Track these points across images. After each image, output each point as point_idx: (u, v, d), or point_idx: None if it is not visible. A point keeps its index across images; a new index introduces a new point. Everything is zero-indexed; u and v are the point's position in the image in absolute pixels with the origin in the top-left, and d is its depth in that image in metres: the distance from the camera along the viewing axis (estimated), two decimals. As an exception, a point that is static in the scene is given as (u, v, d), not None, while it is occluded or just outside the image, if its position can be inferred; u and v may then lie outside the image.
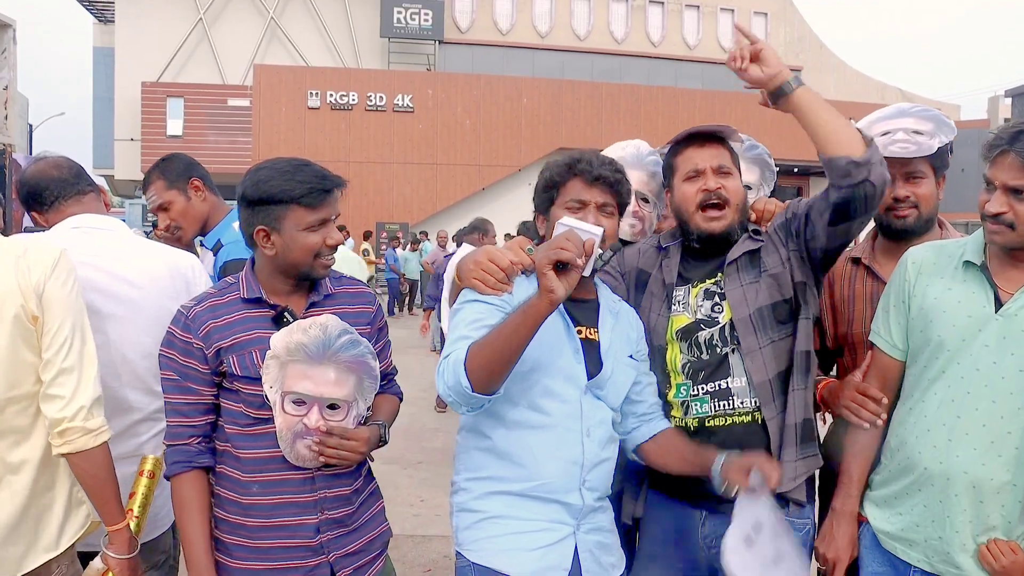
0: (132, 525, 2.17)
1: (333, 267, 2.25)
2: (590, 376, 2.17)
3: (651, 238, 2.65)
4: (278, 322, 2.13)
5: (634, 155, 2.91)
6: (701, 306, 2.40)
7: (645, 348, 2.38)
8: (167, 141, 23.73)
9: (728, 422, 2.34)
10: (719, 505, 2.26)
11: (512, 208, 19.60)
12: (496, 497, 2.13)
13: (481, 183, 22.58)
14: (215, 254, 2.99)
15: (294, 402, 2.08)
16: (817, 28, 33.42)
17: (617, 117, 22.08)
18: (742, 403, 2.33)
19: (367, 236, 19.53)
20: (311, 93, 22.51)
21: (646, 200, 2.93)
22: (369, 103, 22.80)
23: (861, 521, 2.33)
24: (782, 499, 2.30)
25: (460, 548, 2.16)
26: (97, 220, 2.49)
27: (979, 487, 2.03)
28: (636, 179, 2.82)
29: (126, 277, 2.42)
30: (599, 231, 2.00)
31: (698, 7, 30.16)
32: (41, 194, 2.50)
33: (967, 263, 2.12)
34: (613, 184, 2.22)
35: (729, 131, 2.46)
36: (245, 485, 2.11)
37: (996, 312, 2.05)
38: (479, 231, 7.99)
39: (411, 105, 22.95)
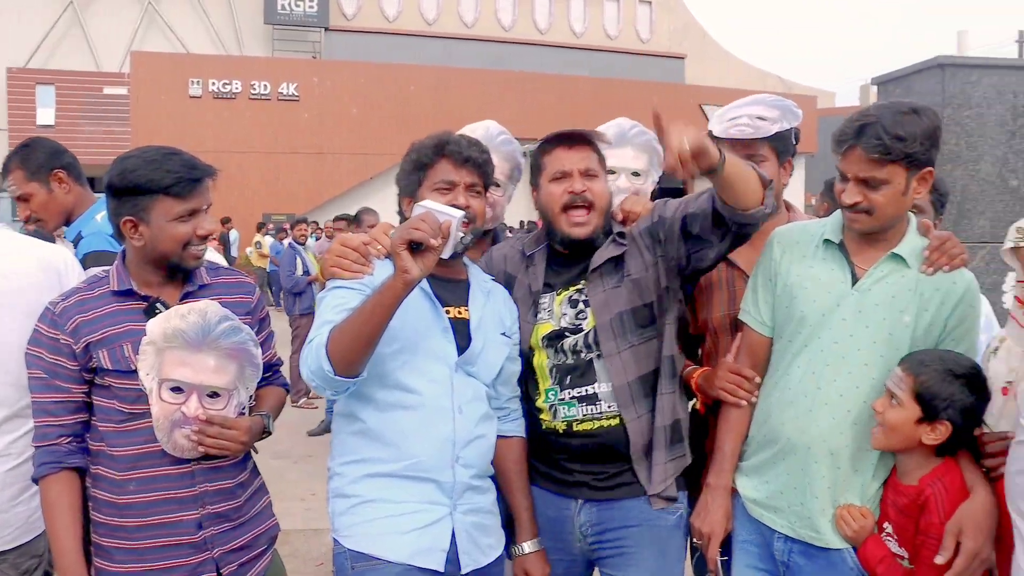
0: None
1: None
2: (460, 352, 2.18)
3: (516, 242, 2.64)
4: (150, 314, 2.07)
5: (483, 136, 2.79)
6: (565, 314, 2.39)
7: (518, 331, 2.39)
8: (38, 131, 22.49)
9: (595, 426, 2.34)
10: (594, 493, 2.33)
11: (396, 196, 19.37)
12: (370, 480, 2.12)
13: (369, 172, 22.31)
14: (75, 246, 2.90)
15: (172, 390, 2.03)
16: (701, 17, 34.15)
17: (505, 104, 22.17)
18: (609, 407, 2.33)
19: (260, 228, 19.03)
20: (192, 81, 21.80)
21: (497, 185, 2.81)
22: (253, 92, 22.23)
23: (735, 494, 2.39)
24: (658, 498, 2.33)
25: (337, 535, 2.15)
26: None
27: (837, 455, 2.12)
28: None
29: None
30: (458, 213, 2.00)
31: (584, -5, 30.54)
32: None
33: (826, 241, 2.21)
34: (481, 165, 2.25)
35: (597, 134, 2.47)
36: (121, 484, 2.04)
37: (852, 287, 2.14)
38: (348, 221, 7.85)
39: (296, 94, 22.50)
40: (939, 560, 1.91)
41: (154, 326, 2.03)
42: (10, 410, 2.28)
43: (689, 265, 2.35)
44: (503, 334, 2.32)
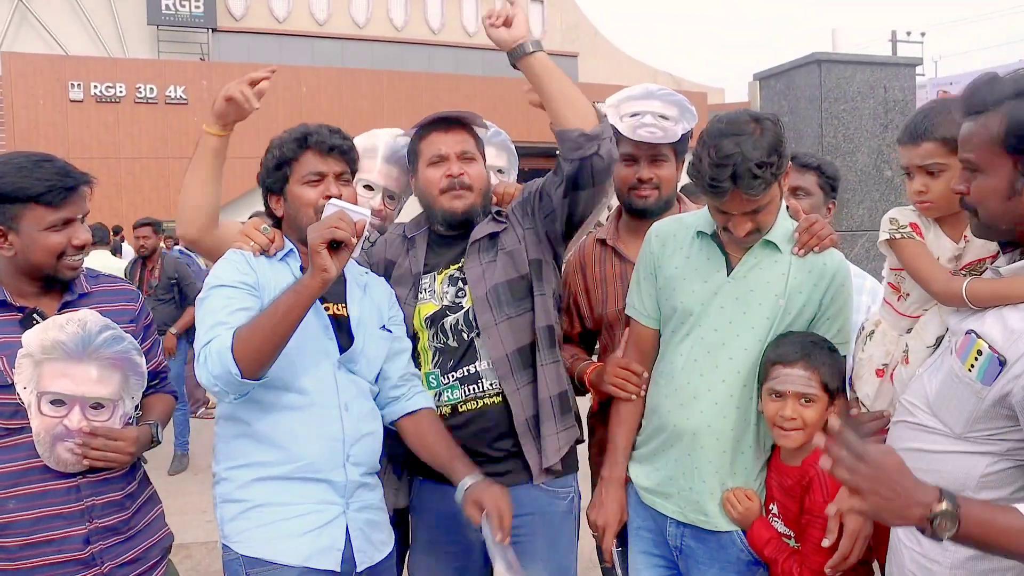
0: None
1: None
2: (342, 351, 2.18)
3: (396, 227, 2.65)
4: (26, 325, 2.00)
5: (386, 145, 2.83)
6: (447, 292, 2.42)
7: (399, 313, 2.39)
8: (-97, 140, 21.31)
9: (479, 405, 2.37)
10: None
11: (299, 200, 19.00)
12: (260, 484, 2.09)
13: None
14: None
15: (52, 403, 1.98)
16: (591, 15, 34.56)
17: (399, 104, 22.03)
18: (491, 385, 2.37)
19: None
20: (72, 84, 20.86)
21: (392, 197, 2.85)
22: (139, 95, 21.42)
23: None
24: (547, 472, 2.37)
25: (227, 541, 2.12)
26: None
27: (721, 439, 2.20)
28: (385, 175, 2.79)
29: None
30: (368, 212, 2.01)
31: (476, -5, 30.58)
32: None
33: (699, 233, 2.27)
34: (346, 152, 2.25)
35: (473, 117, 2.51)
36: (0, 503, 1.97)
37: (728, 276, 2.22)
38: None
39: (184, 97, 21.81)
40: (825, 543, 1.99)
41: (31, 338, 1.97)
42: None
43: (551, 225, 2.42)
44: (383, 327, 2.30)
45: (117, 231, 17.27)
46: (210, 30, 26.33)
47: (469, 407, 2.38)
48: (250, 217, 7.96)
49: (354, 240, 1.90)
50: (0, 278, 2.06)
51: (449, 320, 2.40)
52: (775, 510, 2.20)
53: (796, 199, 2.83)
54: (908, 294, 2.17)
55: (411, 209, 3.01)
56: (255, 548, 2.07)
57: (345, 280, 2.28)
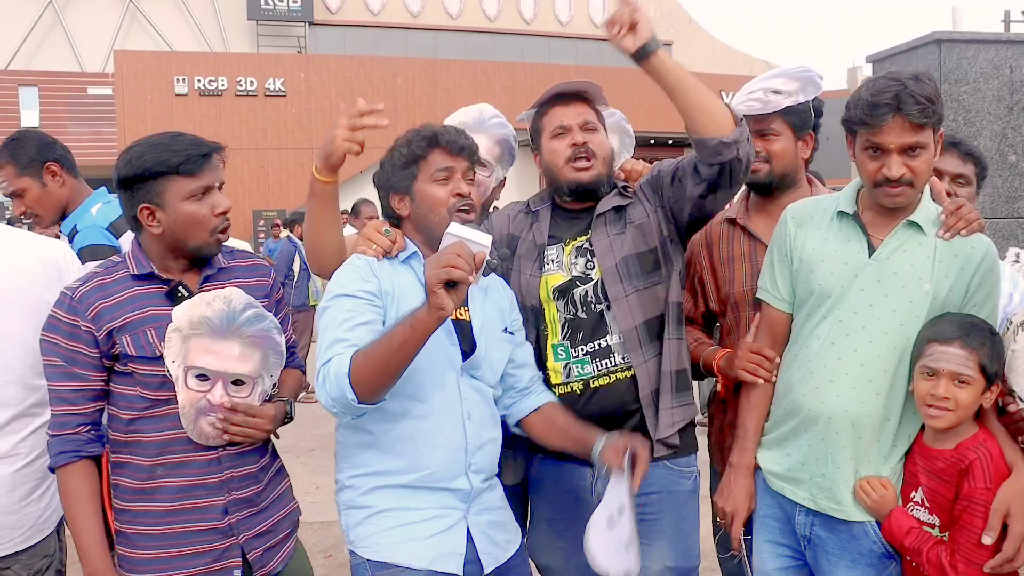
0: None
1: None
2: (465, 357, 2.16)
3: (518, 203, 2.64)
4: (172, 297, 2.05)
5: (476, 119, 2.85)
6: (575, 263, 2.40)
7: (519, 317, 2.38)
8: (23, 133, 22.41)
9: (612, 380, 2.34)
10: None
11: (392, 190, 19.31)
12: (383, 491, 2.10)
13: (358, 166, 22.08)
14: (71, 240, 2.84)
15: (197, 377, 2.03)
16: (686, 3, 34.03)
17: (493, 94, 22.09)
18: (623, 359, 2.35)
19: (289, 225, 18.78)
20: (178, 79, 21.63)
21: (484, 165, 2.80)
22: (239, 88, 22.07)
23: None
24: (664, 445, 2.36)
25: (353, 547, 2.14)
26: None
27: (858, 424, 2.12)
28: (479, 144, 2.78)
29: None
30: (488, 241, 1.89)
31: (569, -16, 30.44)
32: None
33: (841, 213, 2.21)
34: (473, 152, 2.26)
35: (593, 89, 2.46)
36: (148, 470, 2.04)
37: (870, 258, 2.13)
38: (346, 214, 7.89)
39: (283, 89, 22.36)
40: (987, 540, 1.90)
41: (180, 313, 2.01)
42: (15, 409, 2.24)
43: (680, 212, 2.39)
44: (505, 330, 2.29)
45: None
46: (307, 23, 26.94)
47: (601, 382, 2.36)
48: (354, 205, 8.12)
49: (471, 278, 1.82)
50: (148, 254, 2.10)
51: (579, 291, 2.38)
52: (918, 497, 2.09)
53: (958, 186, 2.69)
54: None
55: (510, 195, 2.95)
56: (380, 552, 2.08)
57: None
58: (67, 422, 2.03)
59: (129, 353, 2.00)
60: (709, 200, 2.35)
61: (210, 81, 21.98)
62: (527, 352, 2.38)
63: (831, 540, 2.19)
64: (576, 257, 2.42)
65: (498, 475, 2.31)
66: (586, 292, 2.38)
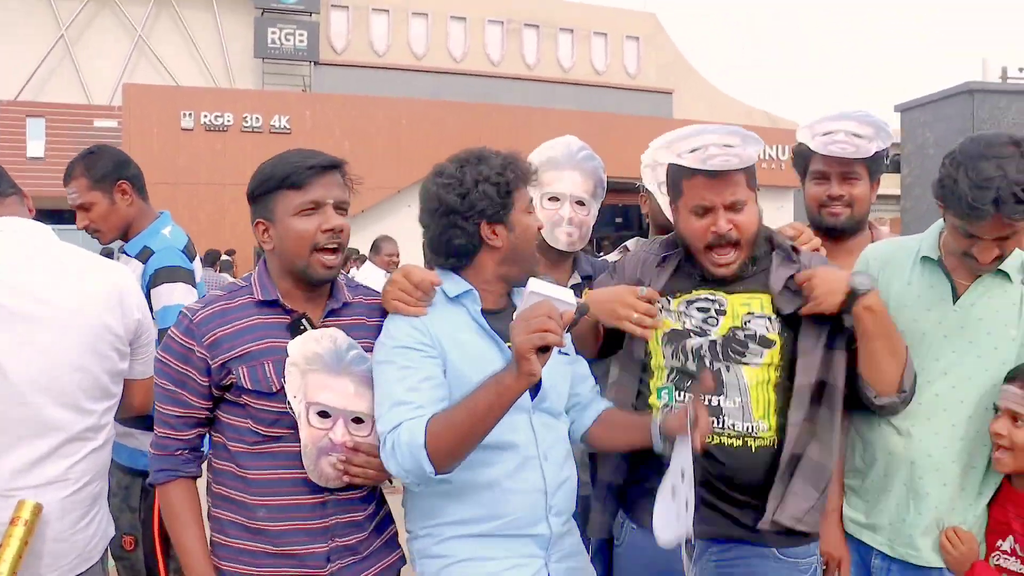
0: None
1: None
2: (533, 394, 2.04)
3: (652, 245, 2.46)
4: (294, 330, 1.98)
5: (565, 154, 2.73)
6: (690, 316, 2.23)
7: (568, 335, 2.18)
8: (28, 163, 22.53)
9: (716, 441, 2.12)
10: (719, 529, 2.15)
11: (391, 229, 19.41)
12: (461, 540, 2.00)
13: (361, 205, 22.34)
14: (144, 262, 2.82)
15: (319, 414, 1.94)
16: (687, 53, 34.40)
17: (496, 137, 22.21)
18: (733, 425, 2.13)
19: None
20: (184, 114, 21.79)
21: (581, 203, 2.72)
22: (245, 124, 22.24)
23: None
24: (779, 534, 2.12)
25: None
26: (18, 224, 2.22)
27: (943, 471, 2.10)
28: (570, 181, 2.70)
29: (32, 291, 2.11)
30: (571, 298, 1.82)
31: (572, 31, 30.82)
32: None
33: (925, 258, 2.19)
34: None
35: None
36: (251, 508, 1.96)
37: (954, 304, 2.12)
38: (372, 251, 7.74)
39: (288, 126, 22.52)
40: None
41: (295, 348, 1.94)
42: (67, 434, 2.14)
43: None
44: (562, 352, 2.13)
45: (231, 253, 17.96)
46: (312, 63, 27.23)
47: (715, 442, 2.13)
48: (374, 242, 7.93)
49: (563, 341, 1.72)
50: (272, 277, 2.04)
51: (692, 343, 2.20)
52: (1006, 546, 2.07)
53: None
54: None
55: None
56: None
57: (515, 308, 2.08)
58: (168, 445, 2.00)
59: (244, 386, 1.93)
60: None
61: (216, 117, 22.14)
62: (583, 366, 2.30)
63: None
64: (693, 310, 2.24)
65: (582, 527, 2.24)
66: (701, 345, 2.20)
